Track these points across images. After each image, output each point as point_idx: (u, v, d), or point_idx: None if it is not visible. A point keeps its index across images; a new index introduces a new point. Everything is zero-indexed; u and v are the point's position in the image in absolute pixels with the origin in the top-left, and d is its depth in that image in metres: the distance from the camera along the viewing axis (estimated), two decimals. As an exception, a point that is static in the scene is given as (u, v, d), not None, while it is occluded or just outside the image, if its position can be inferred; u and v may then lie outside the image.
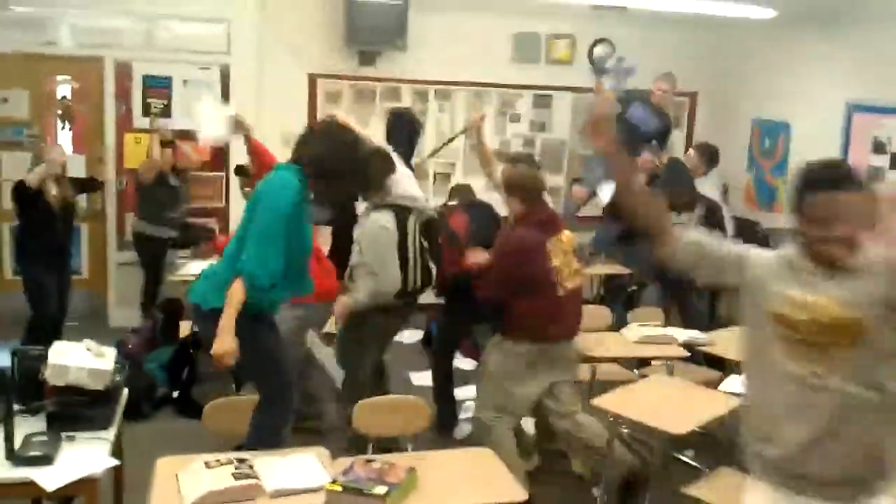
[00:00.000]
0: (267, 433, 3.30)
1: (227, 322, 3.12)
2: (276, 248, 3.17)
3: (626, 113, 6.77)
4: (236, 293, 3.14)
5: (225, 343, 3.11)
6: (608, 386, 4.35)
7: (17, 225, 5.66)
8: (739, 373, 4.37)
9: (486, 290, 4.15)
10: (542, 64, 7.69)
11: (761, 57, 7.42)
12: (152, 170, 6.30)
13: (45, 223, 5.46)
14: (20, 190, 5.36)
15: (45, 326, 5.40)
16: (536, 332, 4.01)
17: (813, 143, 6.79)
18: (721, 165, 7.84)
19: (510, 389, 4.05)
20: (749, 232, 6.97)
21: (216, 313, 3.20)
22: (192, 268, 5.71)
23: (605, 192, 6.56)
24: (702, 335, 4.87)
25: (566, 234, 4.12)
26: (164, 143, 6.38)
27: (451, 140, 6.65)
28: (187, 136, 6.57)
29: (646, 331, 4.87)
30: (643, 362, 5.19)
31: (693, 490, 3.59)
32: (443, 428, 5.01)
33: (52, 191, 5.45)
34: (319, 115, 7.21)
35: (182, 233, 6.48)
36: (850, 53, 6.41)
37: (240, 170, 5.46)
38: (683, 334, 4.88)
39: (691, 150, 6.76)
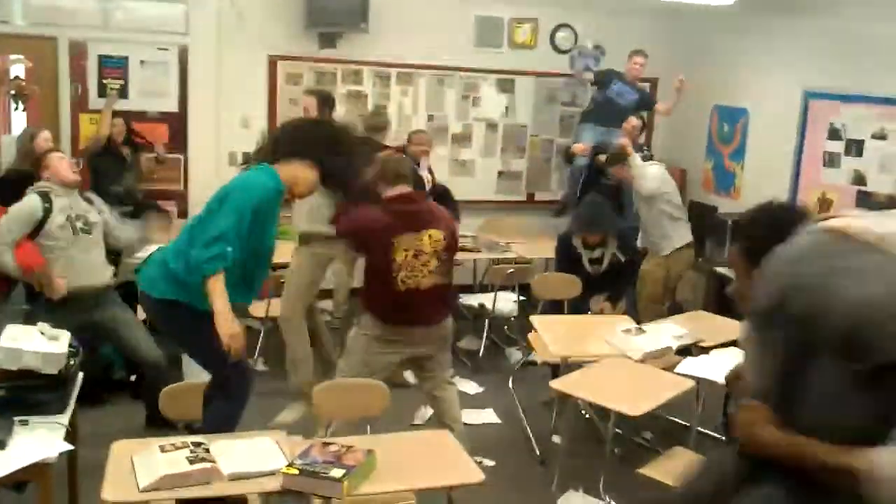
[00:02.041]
0: (222, 420, 3.31)
1: (222, 310, 3.18)
2: (228, 240, 3.21)
3: (606, 90, 7.14)
4: (216, 284, 3.18)
5: (227, 328, 3.19)
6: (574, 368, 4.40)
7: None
8: (696, 354, 4.46)
9: (340, 225, 4.30)
10: (505, 48, 7.68)
11: (721, 44, 7.48)
12: (99, 140, 6.23)
13: None
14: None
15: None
16: (382, 316, 4.04)
17: (770, 129, 6.89)
18: (681, 151, 7.99)
19: (369, 359, 4.08)
20: (707, 217, 7.07)
21: (163, 302, 3.27)
22: (150, 251, 5.62)
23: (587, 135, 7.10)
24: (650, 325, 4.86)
25: (432, 234, 3.99)
26: (117, 114, 6.30)
27: None
28: (143, 116, 6.50)
29: (641, 342, 4.56)
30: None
31: (648, 471, 3.65)
32: None
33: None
34: (279, 98, 7.14)
35: (129, 207, 6.33)
36: (807, 41, 6.49)
37: None
38: (675, 338, 4.65)
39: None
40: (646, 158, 6.23)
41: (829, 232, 1.77)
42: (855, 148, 6.05)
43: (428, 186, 5.98)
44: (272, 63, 7.12)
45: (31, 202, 4.39)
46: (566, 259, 5.59)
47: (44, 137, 5.41)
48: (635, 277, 5.85)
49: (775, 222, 2.04)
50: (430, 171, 6.30)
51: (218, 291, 3.19)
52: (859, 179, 6.00)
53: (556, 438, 4.84)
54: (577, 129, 7.46)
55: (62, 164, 4.56)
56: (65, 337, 3.32)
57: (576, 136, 7.47)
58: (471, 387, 5.63)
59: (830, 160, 6.26)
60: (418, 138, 6.24)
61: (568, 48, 7.64)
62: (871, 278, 1.64)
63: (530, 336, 5.26)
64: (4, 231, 4.32)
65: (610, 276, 5.57)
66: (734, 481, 1.89)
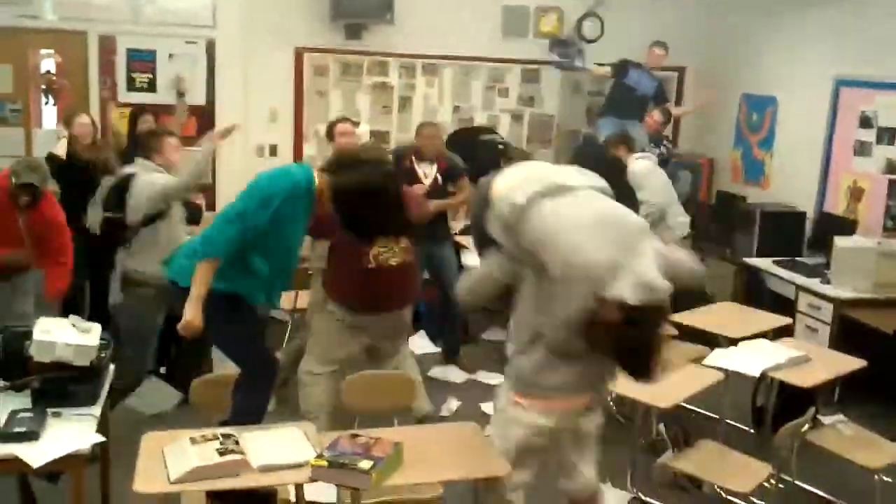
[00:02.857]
0: (247, 411, 3.34)
1: (195, 295, 3.19)
2: (240, 225, 3.18)
3: (624, 77, 7.16)
4: (203, 269, 3.21)
5: (190, 314, 3.20)
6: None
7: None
8: (725, 346, 4.42)
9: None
10: (531, 38, 7.63)
11: (750, 32, 7.39)
12: (121, 139, 6.25)
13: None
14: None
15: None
16: (345, 300, 4.07)
17: (799, 117, 6.80)
18: (709, 141, 7.92)
19: (332, 349, 4.15)
20: (735, 207, 7.00)
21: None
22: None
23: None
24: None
25: None
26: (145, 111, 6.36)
27: None
28: (171, 110, 6.54)
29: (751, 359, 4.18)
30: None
31: (676, 462, 3.63)
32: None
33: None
34: (306, 90, 7.16)
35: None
36: (837, 28, 6.39)
37: None
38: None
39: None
40: (664, 156, 6.19)
41: None
42: (887, 136, 5.96)
43: (428, 182, 5.51)
44: (298, 55, 7.14)
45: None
46: None
47: (80, 123, 5.49)
48: None
49: None
50: (441, 169, 5.60)
51: (201, 276, 3.20)
52: (891, 168, 5.91)
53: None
54: (597, 124, 7.42)
55: (177, 151, 4.81)
56: (96, 329, 3.36)
57: (596, 131, 7.44)
58: (496, 379, 5.61)
59: (861, 148, 6.16)
60: (426, 131, 5.69)
61: (595, 37, 7.57)
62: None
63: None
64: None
65: None
66: None
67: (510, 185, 2.79)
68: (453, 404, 5.14)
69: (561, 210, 2.68)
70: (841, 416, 4.75)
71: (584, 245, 2.59)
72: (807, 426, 3.64)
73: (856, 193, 6.19)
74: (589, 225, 2.65)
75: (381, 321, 4.17)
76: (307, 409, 4.23)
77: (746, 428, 4.79)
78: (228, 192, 3.79)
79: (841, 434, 4.00)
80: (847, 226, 6.03)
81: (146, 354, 4.82)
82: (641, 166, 6.07)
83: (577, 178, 2.88)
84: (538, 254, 2.67)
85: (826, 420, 4.28)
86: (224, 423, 3.22)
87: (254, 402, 3.41)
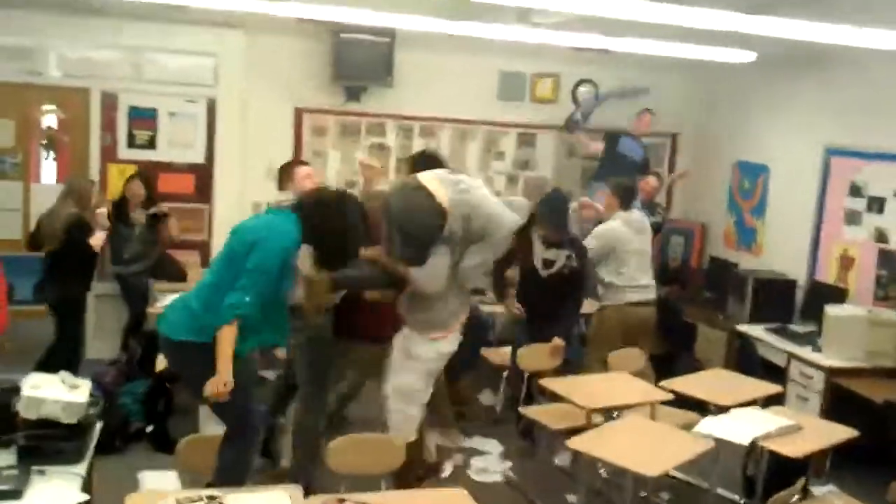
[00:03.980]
0: (231, 465, 3.34)
1: (225, 364, 3.25)
2: (265, 283, 3.34)
3: (616, 146, 7.29)
4: (226, 333, 3.25)
5: (221, 381, 3.26)
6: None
7: (52, 254, 5.65)
8: (715, 414, 4.41)
9: None
10: (527, 102, 7.77)
11: (742, 99, 7.53)
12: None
13: (89, 258, 5.72)
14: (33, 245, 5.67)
15: (73, 350, 5.61)
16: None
17: (791, 185, 6.89)
18: (702, 206, 8.00)
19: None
20: (727, 273, 7.05)
21: (184, 345, 3.30)
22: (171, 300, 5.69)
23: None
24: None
25: None
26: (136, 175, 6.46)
27: None
28: (170, 167, 6.61)
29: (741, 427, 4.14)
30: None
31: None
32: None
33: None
34: (305, 149, 7.25)
35: (154, 265, 6.46)
36: (828, 97, 6.52)
37: None
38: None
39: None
40: (657, 223, 6.22)
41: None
42: (877, 206, 6.04)
43: None
44: (298, 115, 7.25)
45: None
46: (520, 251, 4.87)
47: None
48: (582, 293, 5.62)
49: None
50: None
51: (226, 342, 3.26)
52: (881, 237, 5.97)
53: (571, 498, 4.78)
54: (590, 189, 7.50)
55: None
56: (85, 386, 3.35)
57: (589, 193, 7.50)
58: (488, 444, 5.58)
59: (852, 217, 6.23)
60: (363, 167, 5.76)
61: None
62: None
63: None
64: None
65: (559, 284, 5.39)
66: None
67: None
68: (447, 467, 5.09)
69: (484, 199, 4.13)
70: (832, 487, 4.72)
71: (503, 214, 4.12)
72: (796, 496, 3.61)
73: (846, 262, 6.24)
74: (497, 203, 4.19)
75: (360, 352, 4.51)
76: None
77: (736, 498, 4.75)
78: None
79: (831, 505, 3.97)
80: (838, 294, 6.07)
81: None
82: (615, 225, 5.82)
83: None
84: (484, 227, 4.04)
85: (817, 490, 4.26)
86: (210, 485, 3.20)
87: (238, 459, 3.42)
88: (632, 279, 5.70)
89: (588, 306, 5.89)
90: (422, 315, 4.15)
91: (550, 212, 5.36)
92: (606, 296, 5.77)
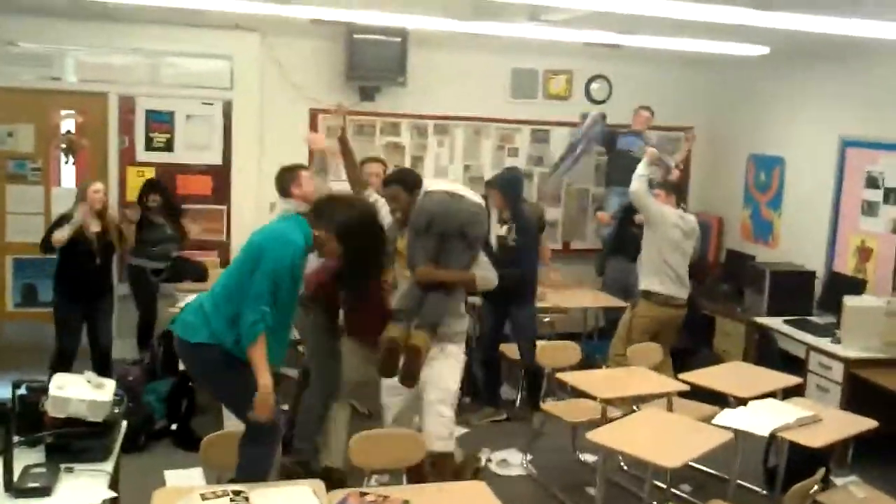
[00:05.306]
0: (253, 464, 3.35)
1: (266, 383, 3.27)
2: (277, 292, 3.35)
3: (615, 147, 7.34)
4: (257, 350, 3.27)
5: (265, 402, 3.28)
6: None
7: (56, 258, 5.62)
8: (734, 406, 4.42)
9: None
10: (540, 99, 7.79)
11: (756, 93, 7.52)
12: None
13: (83, 259, 5.52)
14: (46, 248, 5.50)
15: (62, 361, 5.41)
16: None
17: (807, 177, 6.88)
18: (718, 200, 7.99)
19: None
20: (744, 266, 7.03)
21: (199, 347, 3.34)
22: (189, 300, 5.72)
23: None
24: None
25: None
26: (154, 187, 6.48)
27: None
28: (187, 169, 6.66)
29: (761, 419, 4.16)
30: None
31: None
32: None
33: (93, 227, 5.55)
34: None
35: (171, 266, 6.45)
36: (843, 89, 6.51)
37: None
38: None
39: None
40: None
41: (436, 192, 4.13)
42: (893, 196, 6.01)
43: None
44: (313, 116, 7.29)
45: None
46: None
47: (93, 189, 5.59)
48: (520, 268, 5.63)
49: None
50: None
51: (261, 361, 3.27)
52: (899, 228, 5.96)
53: (590, 490, 4.80)
54: (604, 196, 7.55)
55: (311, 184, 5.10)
56: (110, 385, 3.40)
57: (603, 203, 7.52)
58: (507, 438, 5.60)
59: (869, 208, 6.22)
60: (367, 166, 5.75)
61: (603, 98, 7.75)
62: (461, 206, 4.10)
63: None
64: None
65: (507, 258, 5.47)
66: (421, 295, 4.01)
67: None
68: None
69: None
70: (854, 477, 4.71)
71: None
72: (816, 487, 3.61)
73: (864, 253, 6.23)
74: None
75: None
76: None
77: (758, 489, 4.76)
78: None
79: (853, 495, 3.95)
80: (856, 285, 6.05)
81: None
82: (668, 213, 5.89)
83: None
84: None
85: (839, 481, 4.25)
86: (233, 481, 3.24)
87: (260, 458, 3.43)
88: (672, 276, 5.76)
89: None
90: (452, 319, 4.21)
91: (506, 186, 5.79)
92: (645, 284, 5.81)
